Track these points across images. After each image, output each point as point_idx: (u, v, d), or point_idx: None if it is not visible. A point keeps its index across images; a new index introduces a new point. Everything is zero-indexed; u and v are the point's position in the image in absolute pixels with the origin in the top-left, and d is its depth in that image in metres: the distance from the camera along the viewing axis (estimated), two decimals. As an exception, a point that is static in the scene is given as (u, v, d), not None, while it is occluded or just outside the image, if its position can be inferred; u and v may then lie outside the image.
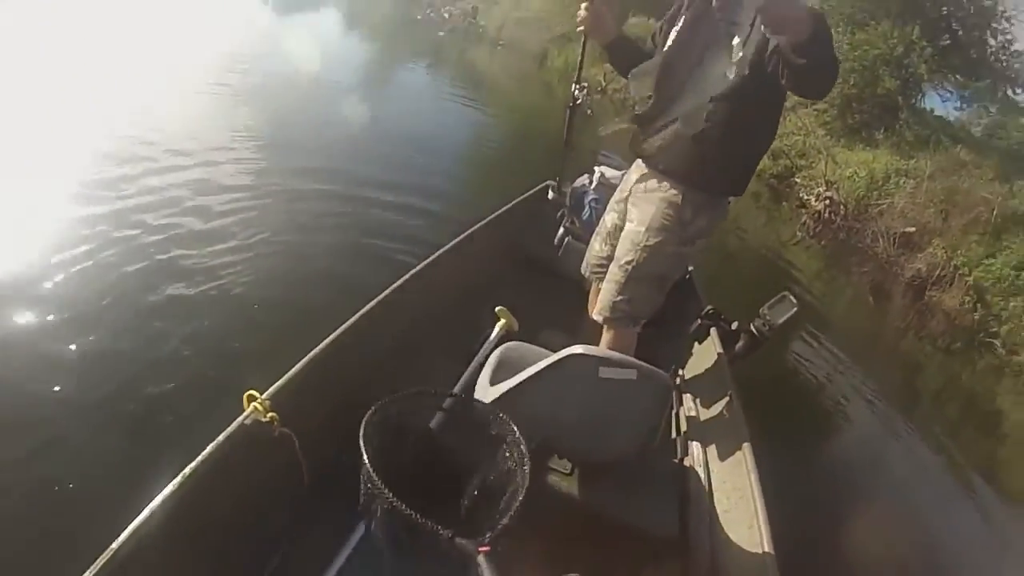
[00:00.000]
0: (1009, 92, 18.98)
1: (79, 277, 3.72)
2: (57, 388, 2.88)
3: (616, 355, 2.06)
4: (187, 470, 1.58)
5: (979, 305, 11.24)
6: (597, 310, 2.61)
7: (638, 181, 2.60)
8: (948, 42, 19.09)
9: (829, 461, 4.68)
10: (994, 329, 10.93)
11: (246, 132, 7.12)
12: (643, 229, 2.46)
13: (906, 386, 7.74)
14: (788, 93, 2.18)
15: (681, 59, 1.97)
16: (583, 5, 2.53)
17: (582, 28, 2.60)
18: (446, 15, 39.18)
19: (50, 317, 3.34)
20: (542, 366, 2.04)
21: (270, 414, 1.75)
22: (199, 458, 1.61)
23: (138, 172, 5.27)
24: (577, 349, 2.03)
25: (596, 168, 3.68)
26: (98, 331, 3.31)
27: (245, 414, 1.75)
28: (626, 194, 2.69)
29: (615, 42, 2.62)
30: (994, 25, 18.96)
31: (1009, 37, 18.94)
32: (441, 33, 33.95)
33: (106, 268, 3.87)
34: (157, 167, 5.49)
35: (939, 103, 20.04)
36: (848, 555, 3.58)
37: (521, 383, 2.05)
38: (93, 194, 4.73)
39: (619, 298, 2.50)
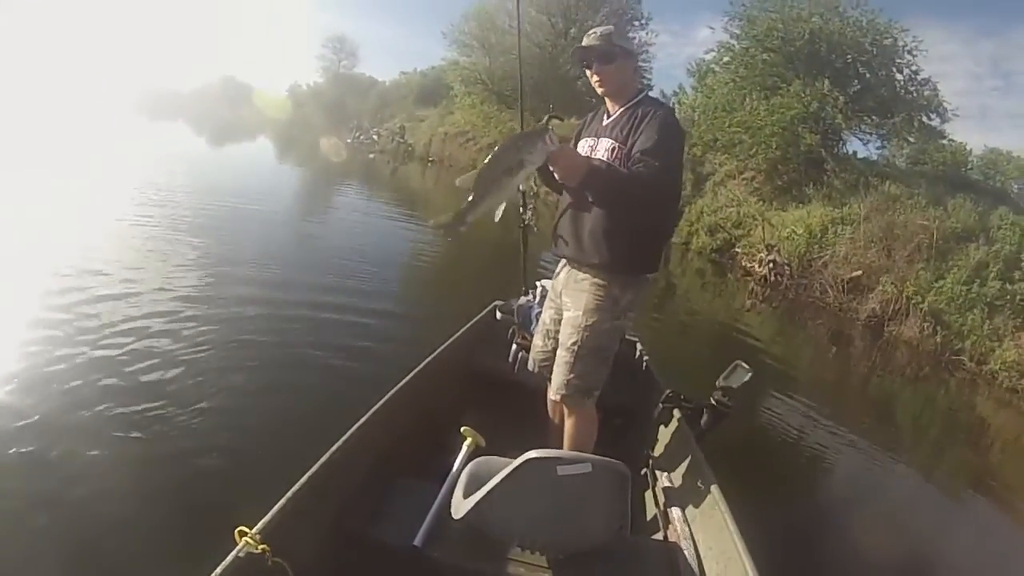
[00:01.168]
0: (924, 119, 19.51)
1: (49, 409, 3.72)
2: (38, 527, 2.85)
3: (570, 453, 2.28)
4: None
5: (938, 327, 11.46)
6: (553, 390, 2.85)
7: (567, 276, 2.93)
8: (858, 87, 19.98)
9: (817, 508, 4.72)
10: (958, 346, 11.15)
11: (193, 271, 7.05)
12: (580, 313, 2.74)
13: (883, 421, 7.81)
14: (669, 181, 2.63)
15: None
16: None
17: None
18: (375, 136, 40.74)
19: (23, 451, 3.31)
20: (503, 475, 2.17)
21: (261, 546, 1.80)
22: None
23: (98, 304, 5.36)
24: (532, 454, 2.17)
25: (537, 283, 3.88)
26: (69, 471, 3.25)
27: (238, 548, 1.80)
28: (559, 289, 2.99)
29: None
30: (898, 60, 19.76)
31: (914, 68, 19.55)
32: (371, 155, 35.01)
33: (78, 403, 3.85)
34: (122, 297, 5.60)
35: (860, 147, 20.67)
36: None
37: (488, 493, 2.17)
38: (54, 325, 4.80)
39: (571, 376, 2.74)
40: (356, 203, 16.87)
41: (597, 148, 2.72)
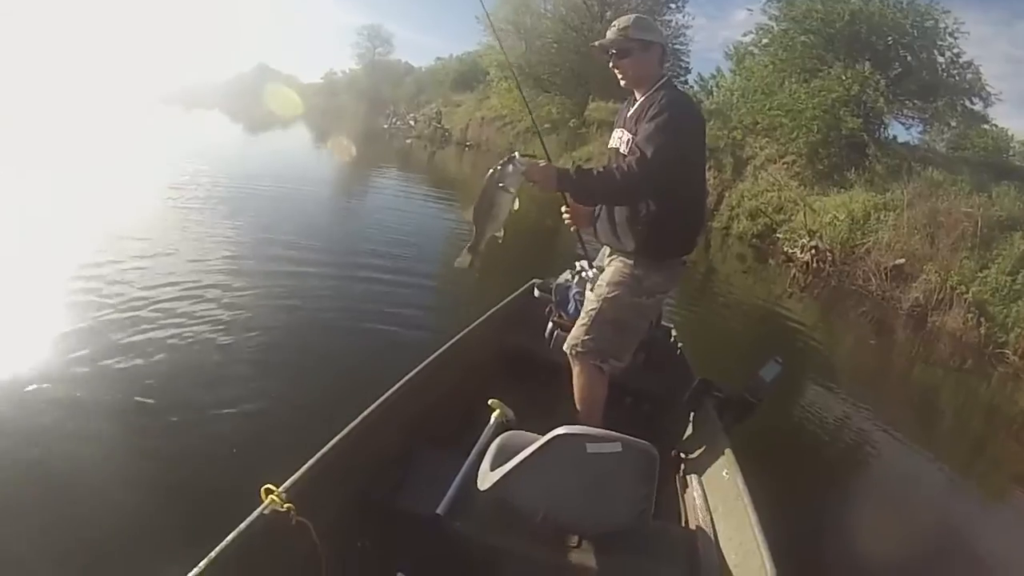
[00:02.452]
0: (967, 103, 19.18)
1: (85, 382, 3.82)
2: (67, 487, 2.91)
3: (601, 431, 2.24)
4: (206, 560, 1.65)
5: (982, 319, 11.17)
6: (567, 344, 3.07)
7: (608, 263, 3.12)
8: (899, 70, 19.67)
9: (845, 504, 4.54)
10: (1002, 339, 10.86)
11: (232, 247, 7.33)
12: (604, 283, 2.99)
13: (923, 414, 7.61)
14: (673, 177, 2.71)
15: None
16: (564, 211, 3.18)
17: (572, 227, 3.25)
18: (412, 122, 40.70)
19: (58, 416, 3.42)
20: (532, 449, 2.18)
21: (287, 505, 1.83)
22: (218, 548, 1.68)
23: (141, 286, 5.46)
24: (562, 430, 2.17)
25: (577, 263, 3.78)
26: (111, 432, 3.37)
27: (263, 505, 1.84)
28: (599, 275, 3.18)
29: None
30: (939, 43, 19.37)
31: (956, 51, 19.43)
32: (408, 140, 35.09)
33: (119, 373, 3.97)
34: (164, 281, 5.65)
35: (903, 131, 20.28)
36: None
37: (516, 466, 2.19)
38: (105, 305, 4.93)
39: (585, 337, 2.96)
40: (395, 186, 16.89)
41: (621, 139, 2.90)
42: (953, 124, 19.65)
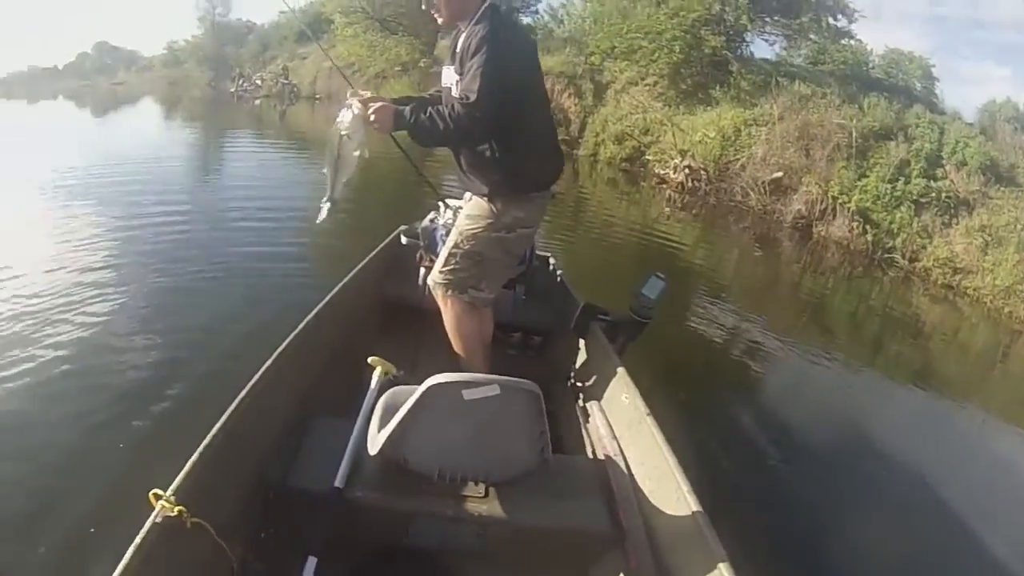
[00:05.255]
0: (831, 20, 18.66)
1: None
2: None
3: (476, 376, 2.14)
4: None
5: (868, 226, 11.33)
6: (429, 280, 3.05)
7: (467, 200, 3.07)
8: (758, -15, 19.09)
9: (749, 415, 4.57)
10: (889, 244, 11.11)
11: (94, 230, 6.73)
12: (463, 218, 2.95)
13: (818, 319, 7.72)
14: (510, 111, 2.56)
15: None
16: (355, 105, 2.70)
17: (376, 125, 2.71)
18: (259, 82, 39.82)
19: None
20: (409, 404, 2.08)
21: (178, 507, 1.67)
22: (119, 568, 1.51)
23: None
24: (435, 379, 2.06)
25: (439, 203, 3.83)
26: None
27: (155, 513, 1.67)
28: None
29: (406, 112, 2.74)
30: (803, -42, 19.06)
31: (817, -36, 19.05)
32: (257, 101, 34.69)
33: None
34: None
35: (767, 49, 20.14)
36: (781, 499, 3.65)
37: (399, 423, 2.09)
38: None
39: (443, 268, 2.93)
40: (249, 149, 16.42)
41: (451, 79, 2.79)
42: (815, 39, 19.27)
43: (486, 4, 2.69)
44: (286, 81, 37.34)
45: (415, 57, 28.82)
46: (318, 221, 2.74)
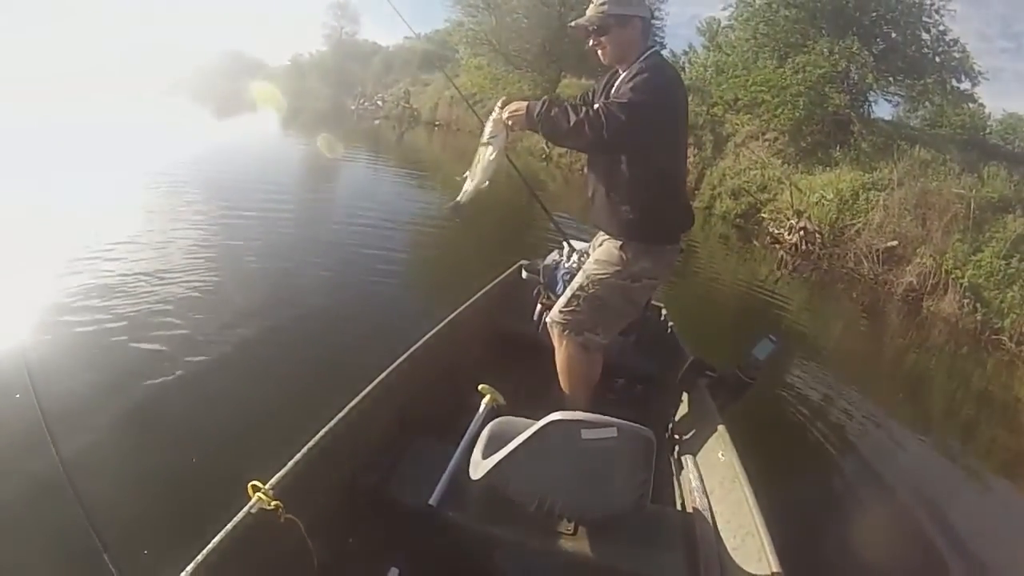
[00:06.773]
0: (955, 83, 18.67)
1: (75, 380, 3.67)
2: (43, 492, 2.68)
3: (596, 417, 2.17)
4: (193, 563, 1.59)
5: (978, 304, 10.96)
6: (548, 317, 3.08)
7: (599, 244, 3.10)
8: (883, 46, 19.11)
9: (839, 485, 4.61)
10: (997, 325, 10.66)
11: (212, 240, 7.10)
12: (591, 262, 3.00)
13: (916, 398, 7.52)
14: (652, 144, 2.66)
15: None
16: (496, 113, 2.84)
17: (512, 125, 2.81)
18: (379, 103, 41.15)
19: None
20: (526, 436, 2.12)
21: (274, 502, 1.77)
22: (206, 549, 1.63)
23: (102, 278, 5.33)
24: (557, 415, 2.11)
25: (564, 243, 3.80)
26: (95, 429, 3.25)
27: (250, 503, 1.78)
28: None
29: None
30: (925, 19, 18.90)
31: (941, 28, 18.94)
32: (376, 121, 35.41)
33: (106, 371, 3.87)
34: (147, 274, 5.56)
35: (886, 109, 19.94)
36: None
37: (509, 454, 2.13)
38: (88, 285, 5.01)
39: (564, 309, 2.97)
40: (366, 169, 16.76)
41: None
42: (938, 102, 19.08)
43: (652, 49, 2.80)
44: (407, 105, 38.29)
45: (537, 93, 28.13)
46: (446, 209, 2.93)
